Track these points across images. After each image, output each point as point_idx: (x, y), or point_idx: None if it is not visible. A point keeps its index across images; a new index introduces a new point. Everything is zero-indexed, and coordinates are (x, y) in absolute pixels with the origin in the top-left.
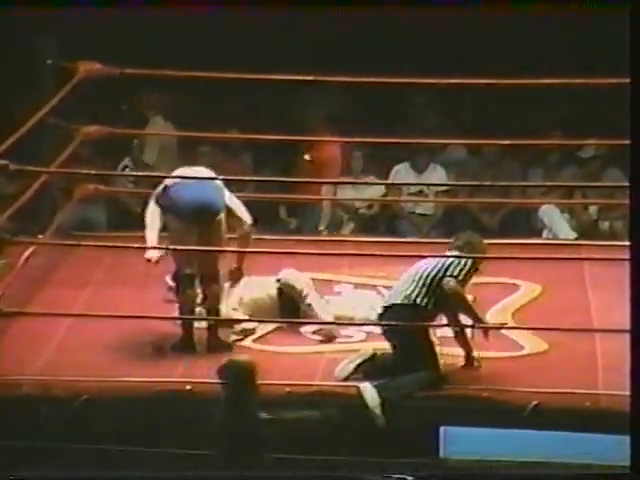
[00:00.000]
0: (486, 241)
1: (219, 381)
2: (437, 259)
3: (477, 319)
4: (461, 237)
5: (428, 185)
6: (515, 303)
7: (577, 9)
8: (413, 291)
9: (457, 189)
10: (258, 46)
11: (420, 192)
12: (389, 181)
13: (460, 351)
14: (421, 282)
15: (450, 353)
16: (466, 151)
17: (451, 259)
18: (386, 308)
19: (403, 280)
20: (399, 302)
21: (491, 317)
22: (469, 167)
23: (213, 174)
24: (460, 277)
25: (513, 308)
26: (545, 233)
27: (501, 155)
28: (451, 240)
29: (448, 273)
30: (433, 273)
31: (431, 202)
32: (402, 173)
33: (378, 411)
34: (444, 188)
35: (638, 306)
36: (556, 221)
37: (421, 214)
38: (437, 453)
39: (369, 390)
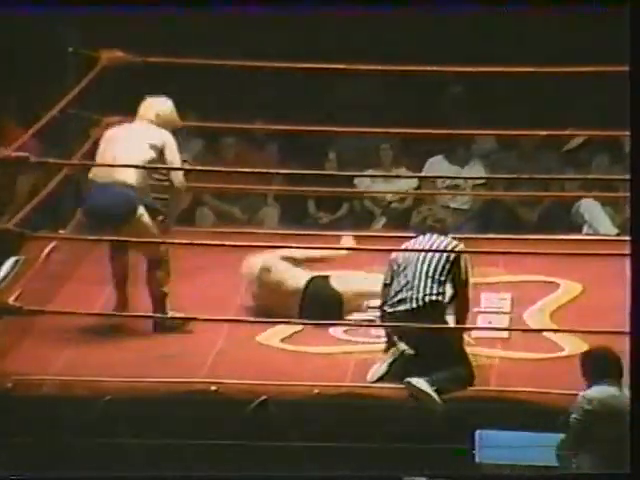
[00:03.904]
0: (523, 236)
1: (243, 382)
2: (427, 242)
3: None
4: (429, 215)
5: (461, 178)
6: (554, 303)
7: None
8: (427, 288)
9: (494, 184)
10: (282, 34)
11: (456, 186)
12: (423, 174)
13: (496, 352)
14: (431, 277)
15: (485, 354)
16: (498, 144)
17: (446, 244)
18: (405, 311)
19: (408, 279)
20: (423, 303)
21: (529, 317)
22: (505, 161)
23: (154, 129)
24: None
25: (552, 308)
26: (585, 229)
27: (537, 148)
28: (415, 219)
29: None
30: (440, 265)
31: (464, 195)
32: (437, 165)
33: (435, 395)
34: (481, 182)
35: (639, 304)
36: (596, 216)
37: (456, 208)
38: (472, 458)
39: (420, 380)
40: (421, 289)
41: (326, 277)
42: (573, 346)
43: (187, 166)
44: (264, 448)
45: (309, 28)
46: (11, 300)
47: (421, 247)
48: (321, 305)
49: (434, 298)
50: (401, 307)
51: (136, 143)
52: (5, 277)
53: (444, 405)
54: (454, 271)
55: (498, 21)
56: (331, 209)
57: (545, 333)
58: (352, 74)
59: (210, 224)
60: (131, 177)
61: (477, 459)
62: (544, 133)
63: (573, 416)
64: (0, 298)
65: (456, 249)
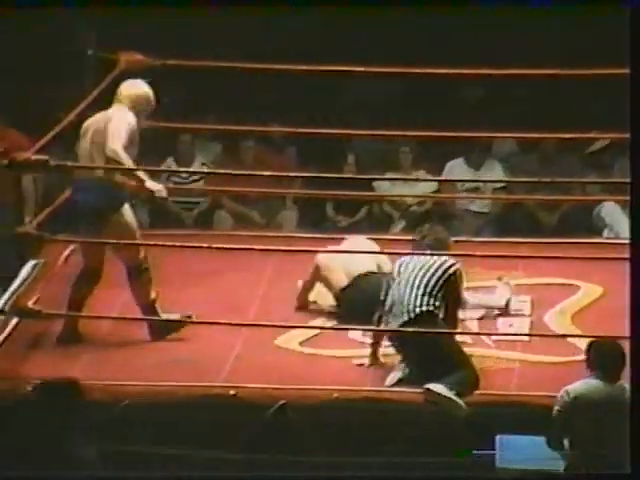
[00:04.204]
0: (543, 240)
1: (262, 386)
2: (423, 258)
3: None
4: (428, 234)
5: (483, 182)
6: (574, 305)
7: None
8: (417, 300)
9: (514, 187)
10: (300, 37)
11: (476, 189)
12: (442, 177)
13: (516, 355)
14: (422, 290)
15: (506, 357)
16: (518, 146)
17: (441, 262)
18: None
19: (400, 293)
20: (414, 315)
21: (549, 320)
22: (525, 164)
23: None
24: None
25: (572, 311)
26: (606, 232)
27: (558, 151)
28: (416, 237)
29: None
30: (433, 280)
31: (485, 199)
32: (457, 169)
33: (458, 400)
34: (500, 185)
35: (638, 307)
36: (617, 219)
37: (476, 212)
38: (493, 463)
39: (439, 386)
40: (412, 301)
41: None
42: None
43: (205, 169)
44: (283, 453)
45: (325, 29)
46: (30, 304)
47: (416, 263)
48: (362, 297)
49: (425, 309)
50: (394, 322)
51: (90, 132)
52: (24, 281)
53: (468, 409)
54: (446, 288)
55: (518, 22)
56: (350, 212)
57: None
58: (370, 76)
59: (228, 227)
60: (108, 173)
61: (497, 464)
62: (567, 136)
63: (556, 408)
64: (19, 302)
65: (452, 269)
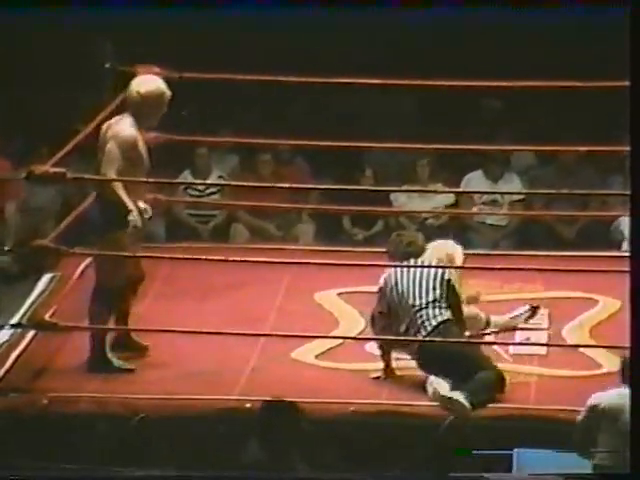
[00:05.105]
0: (561, 253)
1: (277, 399)
2: (412, 272)
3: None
4: (399, 244)
5: (500, 193)
6: (592, 319)
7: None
8: (433, 312)
9: (533, 199)
10: (320, 49)
11: (494, 202)
12: (459, 189)
13: (534, 369)
14: (432, 301)
15: (523, 371)
16: (537, 159)
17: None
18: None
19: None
20: (432, 328)
21: (567, 333)
22: (542, 176)
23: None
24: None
25: (590, 324)
26: (625, 245)
27: (578, 163)
28: (389, 249)
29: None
30: (432, 294)
31: (500, 215)
32: (475, 181)
33: (461, 398)
34: (518, 198)
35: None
36: None
37: (493, 225)
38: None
39: (440, 385)
40: (422, 319)
41: None
42: (612, 363)
43: (222, 181)
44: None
45: (342, 41)
46: (47, 317)
47: (410, 279)
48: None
49: (434, 322)
50: (414, 344)
51: (99, 146)
52: (41, 294)
53: (471, 409)
54: (448, 295)
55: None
56: (366, 225)
57: (582, 349)
58: (388, 89)
59: (245, 240)
60: (107, 190)
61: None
62: (586, 148)
63: (582, 414)
64: (36, 315)
65: (446, 276)
